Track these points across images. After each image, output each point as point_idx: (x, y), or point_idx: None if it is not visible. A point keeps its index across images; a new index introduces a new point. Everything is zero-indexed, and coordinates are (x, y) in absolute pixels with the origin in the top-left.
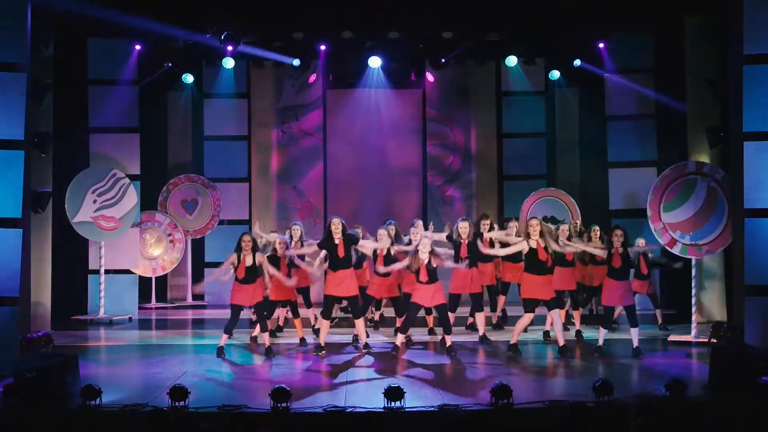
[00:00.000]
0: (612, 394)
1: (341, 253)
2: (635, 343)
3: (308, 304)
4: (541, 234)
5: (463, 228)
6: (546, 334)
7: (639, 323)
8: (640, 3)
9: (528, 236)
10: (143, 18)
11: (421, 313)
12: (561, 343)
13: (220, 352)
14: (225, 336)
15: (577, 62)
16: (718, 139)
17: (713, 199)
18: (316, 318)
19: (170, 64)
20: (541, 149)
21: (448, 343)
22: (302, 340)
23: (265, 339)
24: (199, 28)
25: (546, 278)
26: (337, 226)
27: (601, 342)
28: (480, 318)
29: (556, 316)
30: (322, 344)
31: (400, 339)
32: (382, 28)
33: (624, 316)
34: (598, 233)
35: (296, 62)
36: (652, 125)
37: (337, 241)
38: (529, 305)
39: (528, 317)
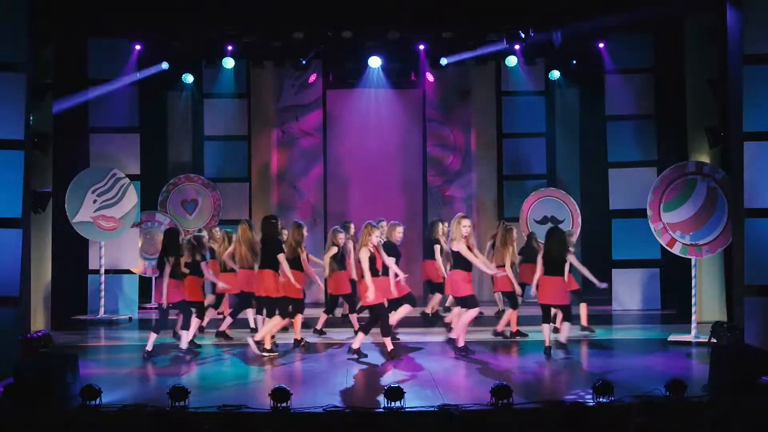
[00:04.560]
0: (612, 394)
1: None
2: (547, 342)
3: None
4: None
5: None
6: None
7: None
8: (640, 3)
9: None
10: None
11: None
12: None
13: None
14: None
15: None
16: (718, 139)
17: (713, 199)
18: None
19: (168, 65)
20: (541, 149)
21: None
22: (296, 341)
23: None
24: (199, 28)
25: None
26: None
27: (548, 342)
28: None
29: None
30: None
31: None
32: (382, 28)
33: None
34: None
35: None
36: (652, 125)
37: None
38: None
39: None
